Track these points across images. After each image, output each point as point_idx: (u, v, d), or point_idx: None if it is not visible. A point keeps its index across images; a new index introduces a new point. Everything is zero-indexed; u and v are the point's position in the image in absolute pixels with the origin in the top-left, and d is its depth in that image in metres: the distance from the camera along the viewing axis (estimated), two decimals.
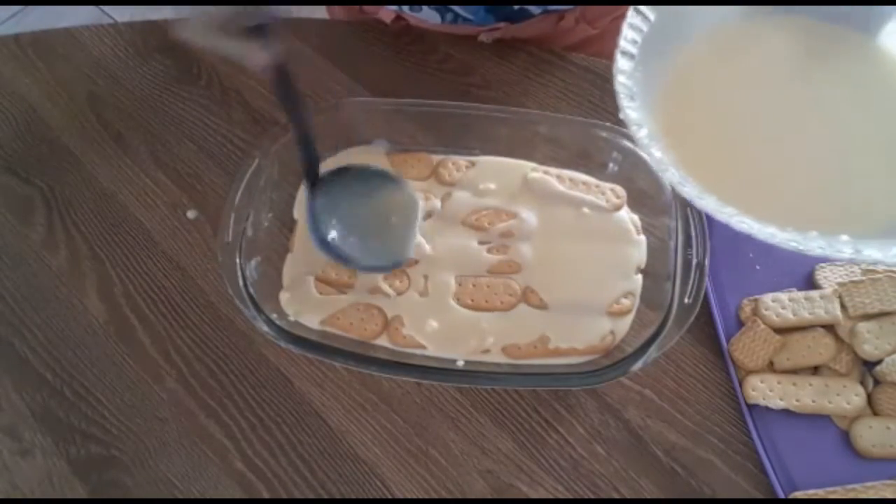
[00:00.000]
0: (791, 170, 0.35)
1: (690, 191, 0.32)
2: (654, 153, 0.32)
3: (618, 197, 0.53)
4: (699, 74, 0.38)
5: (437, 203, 0.54)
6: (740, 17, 0.38)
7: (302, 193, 0.55)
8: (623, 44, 0.35)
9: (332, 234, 0.49)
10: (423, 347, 0.48)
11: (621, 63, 0.35)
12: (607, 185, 0.53)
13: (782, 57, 0.38)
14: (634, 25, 0.36)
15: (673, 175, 0.32)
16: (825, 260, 0.32)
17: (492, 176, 0.55)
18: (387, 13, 0.68)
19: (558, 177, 0.54)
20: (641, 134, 0.33)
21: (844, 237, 0.30)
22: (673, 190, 0.44)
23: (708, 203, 0.31)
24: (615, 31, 0.37)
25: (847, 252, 0.29)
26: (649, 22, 0.36)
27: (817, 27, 0.38)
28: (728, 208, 0.31)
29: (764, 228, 0.30)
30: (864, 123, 0.36)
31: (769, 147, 0.36)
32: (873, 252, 0.29)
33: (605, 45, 0.64)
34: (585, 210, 0.52)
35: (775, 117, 0.37)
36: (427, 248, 0.52)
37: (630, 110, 0.33)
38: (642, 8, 0.36)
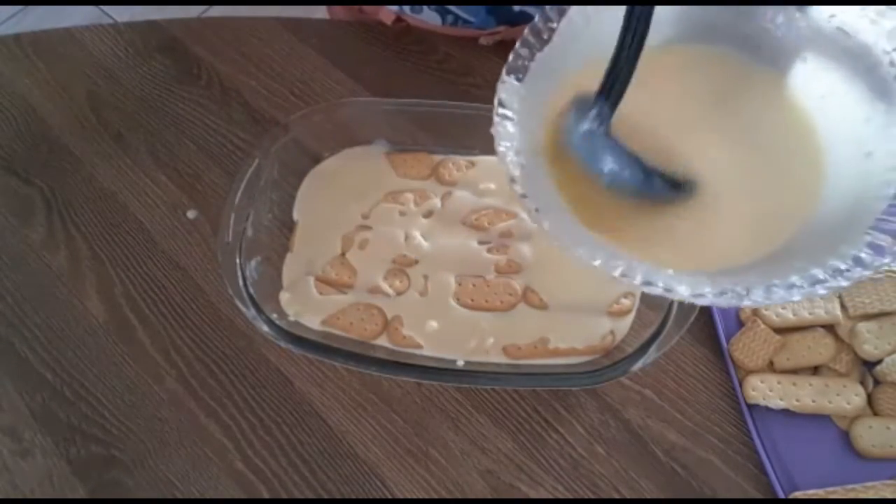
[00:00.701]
0: (669, 206, 0.35)
1: (530, 204, 0.32)
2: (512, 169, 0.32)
3: None
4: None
5: (437, 203, 0.54)
6: (650, 48, 0.38)
7: (302, 192, 0.55)
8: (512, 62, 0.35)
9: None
10: (423, 347, 0.48)
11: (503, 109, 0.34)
12: None
13: (691, 93, 0.38)
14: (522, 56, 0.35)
15: (530, 203, 0.32)
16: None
17: (492, 176, 0.55)
18: (387, 14, 0.68)
19: None
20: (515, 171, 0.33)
21: (670, 272, 0.31)
22: None
23: (540, 217, 0.31)
24: None
25: (659, 287, 0.29)
26: (540, 50, 0.36)
27: (732, 64, 0.38)
28: (561, 228, 0.32)
29: (586, 252, 0.31)
30: (751, 166, 0.36)
31: None
32: (683, 289, 0.29)
33: None
34: None
35: (670, 154, 0.36)
36: (426, 246, 0.52)
37: (508, 153, 0.33)
38: (519, 50, 0.36)
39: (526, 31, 0.36)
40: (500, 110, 0.34)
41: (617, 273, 0.30)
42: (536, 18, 0.36)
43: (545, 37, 0.36)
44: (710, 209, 0.35)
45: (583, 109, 0.34)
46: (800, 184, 0.35)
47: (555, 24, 0.36)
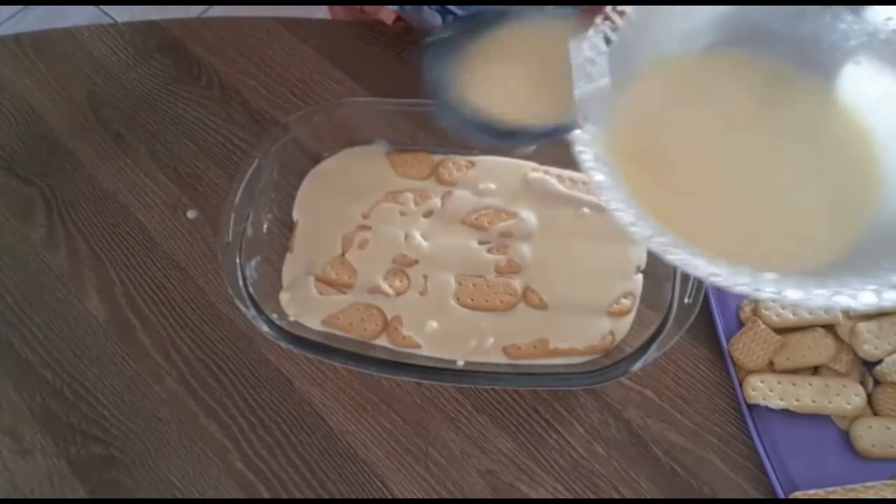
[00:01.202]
0: (735, 208, 0.35)
1: (626, 217, 0.31)
2: (596, 176, 0.32)
3: None
4: (652, 110, 0.37)
5: (437, 203, 0.54)
6: (698, 52, 0.37)
7: (302, 192, 0.55)
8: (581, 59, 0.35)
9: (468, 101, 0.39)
10: (423, 347, 0.48)
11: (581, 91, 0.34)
12: None
13: (738, 101, 0.38)
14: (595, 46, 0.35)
15: (613, 197, 0.31)
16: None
17: (492, 176, 0.55)
18: (388, 14, 0.68)
19: (558, 176, 0.54)
20: (586, 156, 0.32)
21: (770, 275, 0.30)
22: None
23: (641, 230, 0.31)
24: None
25: (769, 291, 0.29)
26: (602, 52, 0.35)
27: (775, 68, 0.37)
28: (661, 238, 0.31)
29: (692, 260, 0.30)
30: (808, 169, 0.36)
31: (716, 185, 0.36)
32: (794, 293, 0.29)
33: None
34: (585, 210, 0.52)
35: (726, 159, 0.36)
36: (426, 246, 0.52)
37: (582, 135, 0.33)
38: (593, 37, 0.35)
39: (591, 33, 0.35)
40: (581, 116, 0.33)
41: (743, 288, 0.29)
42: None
43: (601, 48, 0.35)
44: (767, 216, 0.34)
45: None
46: (856, 187, 0.35)
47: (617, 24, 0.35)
